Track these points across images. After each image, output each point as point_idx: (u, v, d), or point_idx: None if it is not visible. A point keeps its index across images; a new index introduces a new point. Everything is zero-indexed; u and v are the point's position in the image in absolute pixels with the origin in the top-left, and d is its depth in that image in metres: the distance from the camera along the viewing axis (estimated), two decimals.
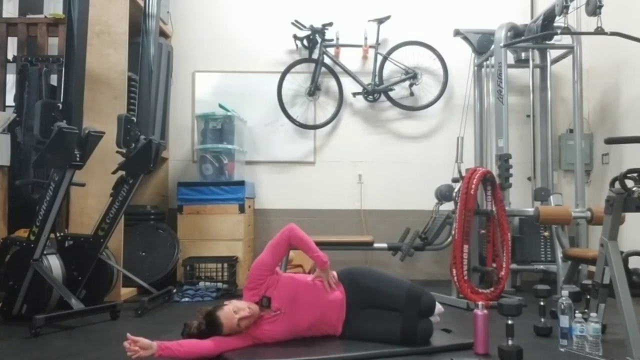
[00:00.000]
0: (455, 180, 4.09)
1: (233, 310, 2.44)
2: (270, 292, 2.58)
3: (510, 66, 4.55)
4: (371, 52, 5.10)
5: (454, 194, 3.95)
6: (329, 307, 2.64)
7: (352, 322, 2.68)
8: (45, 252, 3.34)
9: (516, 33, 4.47)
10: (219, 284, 4.34)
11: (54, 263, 3.42)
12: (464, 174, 3.90)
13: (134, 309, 3.55)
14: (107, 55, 4.04)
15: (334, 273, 2.80)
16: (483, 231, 4.02)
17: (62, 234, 3.75)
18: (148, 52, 3.80)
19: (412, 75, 5.03)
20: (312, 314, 2.61)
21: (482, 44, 4.75)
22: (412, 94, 5.10)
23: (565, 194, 4.68)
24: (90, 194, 3.89)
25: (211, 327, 2.44)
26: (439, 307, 3.00)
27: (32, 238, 3.27)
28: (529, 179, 4.76)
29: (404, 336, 2.56)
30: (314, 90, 5.07)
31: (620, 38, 3.78)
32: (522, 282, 4.56)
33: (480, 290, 3.72)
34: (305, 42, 5.05)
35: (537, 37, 4.40)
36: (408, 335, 2.55)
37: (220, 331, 2.44)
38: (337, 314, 2.66)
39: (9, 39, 4.25)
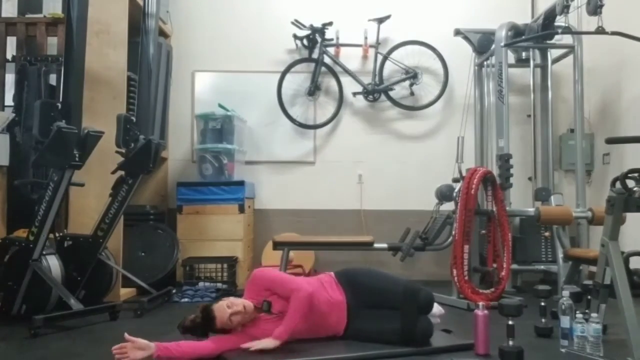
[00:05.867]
0: (455, 180, 4.08)
1: (226, 305, 2.45)
2: (272, 297, 2.57)
3: (510, 66, 4.54)
4: (371, 51, 5.09)
5: (455, 194, 3.94)
6: (329, 309, 2.62)
7: (352, 323, 2.67)
8: (44, 252, 3.34)
9: (517, 32, 4.46)
10: (219, 284, 4.33)
11: (53, 263, 3.41)
12: (464, 174, 3.89)
13: (133, 310, 3.54)
14: (106, 54, 4.03)
15: (332, 274, 2.80)
16: (483, 231, 4.00)
17: (61, 234, 3.74)
18: (147, 52, 3.79)
19: (412, 75, 5.02)
20: (312, 317, 2.58)
21: (482, 44, 4.74)
22: (412, 93, 5.09)
23: (566, 194, 4.67)
24: (90, 194, 3.88)
25: (205, 320, 2.45)
26: (439, 309, 3.00)
27: (31, 238, 3.27)
28: (530, 179, 4.75)
29: (403, 336, 2.55)
30: (313, 90, 5.06)
31: (621, 38, 3.77)
32: (523, 283, 4.55)
33: (480, 291, 3.71)
34: (305, 41, 5.04)
35: (537, 37, 4.39)
36: (407, 334, 2.54)
37: (213, 325, 2.44)
38: (338, 316, 2.65)
39: (8, 38, 4.23)
